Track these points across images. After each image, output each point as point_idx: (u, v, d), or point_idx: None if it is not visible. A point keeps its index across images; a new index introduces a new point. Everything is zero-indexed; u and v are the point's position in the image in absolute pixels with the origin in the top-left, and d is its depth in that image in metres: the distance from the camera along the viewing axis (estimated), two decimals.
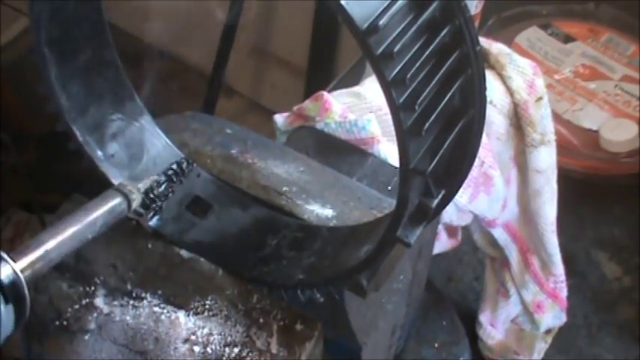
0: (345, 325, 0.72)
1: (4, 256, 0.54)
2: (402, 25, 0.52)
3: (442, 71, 0.55)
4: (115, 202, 0.65)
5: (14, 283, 0.54)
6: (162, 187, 0.73)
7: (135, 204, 0.67)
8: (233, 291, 0.70)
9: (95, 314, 0.69)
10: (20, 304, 0.54)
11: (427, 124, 0.54)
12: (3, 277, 0.53)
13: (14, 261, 0.55)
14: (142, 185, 0.69)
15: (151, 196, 0.71)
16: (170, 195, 0.73)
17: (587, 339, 1.28)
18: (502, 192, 0.99)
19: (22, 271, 0.55)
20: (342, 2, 0.49)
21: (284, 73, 2.02)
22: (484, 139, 0.60)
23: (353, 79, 1.14)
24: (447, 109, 0.56)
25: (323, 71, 1.85)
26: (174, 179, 0.74)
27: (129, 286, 0.70)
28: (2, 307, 0.53)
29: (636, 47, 1.53)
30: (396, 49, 0.51)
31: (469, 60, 0.56)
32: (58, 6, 0.64)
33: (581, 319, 1.30)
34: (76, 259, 0.71)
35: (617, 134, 1.38)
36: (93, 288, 0.69)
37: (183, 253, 0.72)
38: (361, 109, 0.91)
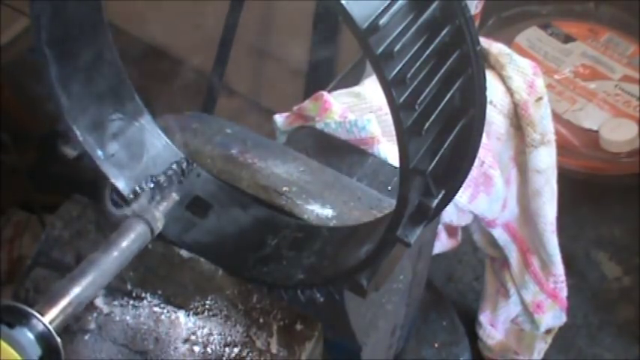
0: (345, 325, 0.72)
1: (32, 311, 0.55)
2: (403, 25, 0.52)
3: (442, 71, 0.55)
4: (139, 231, 0.65)
5: (45, 337, 0.54)
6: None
7: (158, 230, 0.67)
8: (233, 291, 0.70)
9: (95, 314, 0.69)
10: (53, 355, 0.55)
11: (427, 124, 0.54)
12: (33, 334, 0.54)
13: (42, 314, 0.55)
14: (163, 208, 0.69)
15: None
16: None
17: (587, 339, 1.28)
18: (502, 192, 0.99)
19: (51, 321, 0.56)
20: (343, 2, 0.49)
21: (284, 73, 2.01)
22: (484, 139, 0.60)
23: (353, 79, 1.14)
24: (447, 109, 0.56)
25: (323, 71, 1.85)
26: (174, 179, 0.74)
27: (129, 286, 0.70)
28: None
29: (636, 47, 1.53)
30: (396, 49, 0.51)
31: (469, 60, 0.56)
32: (59, 6, 0.64)
33: (581, 319, 1.30)
34: (77, 259, 0.71)
35: (617, 134, 1.38)
36: None
37: (183, 253, 0.72)
38: (361, 109, 0.91)
